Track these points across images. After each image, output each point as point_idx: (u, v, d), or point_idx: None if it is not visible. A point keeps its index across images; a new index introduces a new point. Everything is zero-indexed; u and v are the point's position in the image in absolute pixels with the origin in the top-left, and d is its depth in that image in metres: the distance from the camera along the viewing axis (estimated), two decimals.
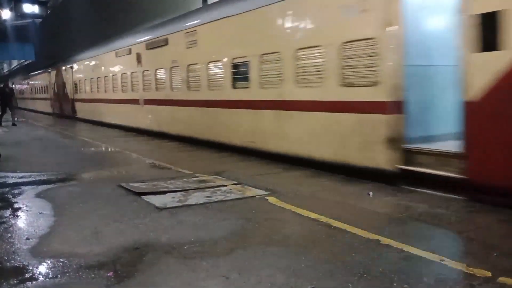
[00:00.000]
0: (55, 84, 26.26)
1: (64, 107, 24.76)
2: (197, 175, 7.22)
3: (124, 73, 15.28)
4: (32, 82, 35.27)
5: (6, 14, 38.39)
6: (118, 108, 16.28)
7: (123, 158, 9.70)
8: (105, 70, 17.47)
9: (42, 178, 7.26)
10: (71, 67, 22.31)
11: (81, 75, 20.98)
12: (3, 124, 18.95)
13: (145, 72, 13.65)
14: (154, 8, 21.14)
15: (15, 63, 60.54)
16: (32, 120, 24.03)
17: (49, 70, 27.79)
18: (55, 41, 37.61)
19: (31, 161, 9.17)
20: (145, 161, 9.18)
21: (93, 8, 27.70)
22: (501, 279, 3.18)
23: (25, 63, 49.86)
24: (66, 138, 14.12)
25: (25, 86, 39.41)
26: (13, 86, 39.36)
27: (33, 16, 41.95)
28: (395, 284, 3.14)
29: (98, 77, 18.29)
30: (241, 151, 9.32)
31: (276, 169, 7.76)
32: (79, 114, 22.03)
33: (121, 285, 3.24)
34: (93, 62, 19.01)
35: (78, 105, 22.19)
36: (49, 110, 28.76)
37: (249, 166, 8.11)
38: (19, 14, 41.11)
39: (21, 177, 7.31)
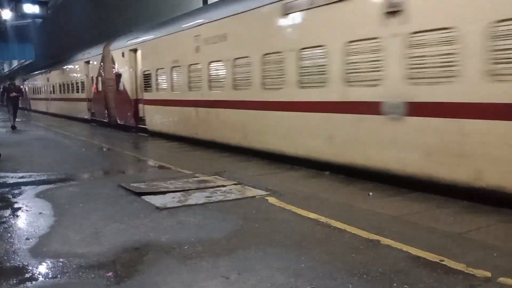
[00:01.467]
0: (98, 78, 17.75)
1: (116, 112, 16.31)
2: (197, 175, 7.22)
3: (317, 47, 7.18)
4: (55, 78, 25.97)
5: (7, 14, 38.36)
6: (285, 119, 7.98)
7: (123, 158, 9.70)
8: (243, 46, 9.02)
9: (42, 178, 7.26)
10: (135, 50, 14.23)
11: (161, 61, 12.36)
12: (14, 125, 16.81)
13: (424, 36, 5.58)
14: (153, 8, 21.17)
15: (15, 63, 60.58)
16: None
17: (87, 59, 19.27)
18: (55, 41, 37.64)
19: (31, 161, 9.17)
20: (145, 161, 9.18)
21: (93, 8, 27.73)
22: (501, 279, 3.18)
23: (25, 63, 49.86)
24: (67, 139, 14.10)
25: (43, 83, 29.87)
26: (24, 84, 34.99)
27: (33, 16, 41.88)
28: (395, 285, 3.14)
29: (211, 62, 9.99)
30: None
31: (276, 169, 7.76)
32: (152, 126, 13.45)
33: (121, 285, 3.23)
34: (197, 37, 10.44)
35: (150, 110, 13.49)
36: (85, 115, 20.49)
37: (249, 166, 8.11)
38: (19, 14, 41.04)
39: (21, 177, 7.30)
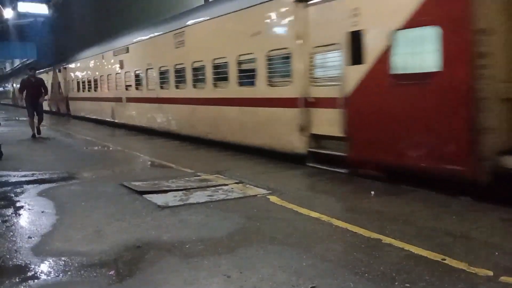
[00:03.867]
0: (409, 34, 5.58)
1: None
2: (198, 174, 7.22)
3: None
4: (145, 57, 13.58)
5: (8, 13, 38.39)
6: None
7: (125, 156, 9.70)
8: None
9: (44, 176, 7.27)
10: None
11: None
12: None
13: None
14: (156, 6, 21.17)
15: (17, 62, 60.65)
16: None
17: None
18: (57, 40, 37.70)
19: (33, 160, 9.18)
20: (146, 160, 9.19)
21: (95, 6, 27.75)
22: (503, 278, 3.17)
23: (27, 62, 49.89)
24: (69, 138, 14.10)
25: (106, 73, 17.16)
26: (58, 76, 24.87)
27: (35, 15, 41.99)
28: (396, 283, 3.14)
29: None
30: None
31: (278, 168, 7.75)
32: None
33: (122, 284, 3.24)
34: None
35: None
36: (277, 140, 8.14)
37: (251, 165, 8.10)
38: (21, 13, 41.12)
39: (23, 176, 7.32)
